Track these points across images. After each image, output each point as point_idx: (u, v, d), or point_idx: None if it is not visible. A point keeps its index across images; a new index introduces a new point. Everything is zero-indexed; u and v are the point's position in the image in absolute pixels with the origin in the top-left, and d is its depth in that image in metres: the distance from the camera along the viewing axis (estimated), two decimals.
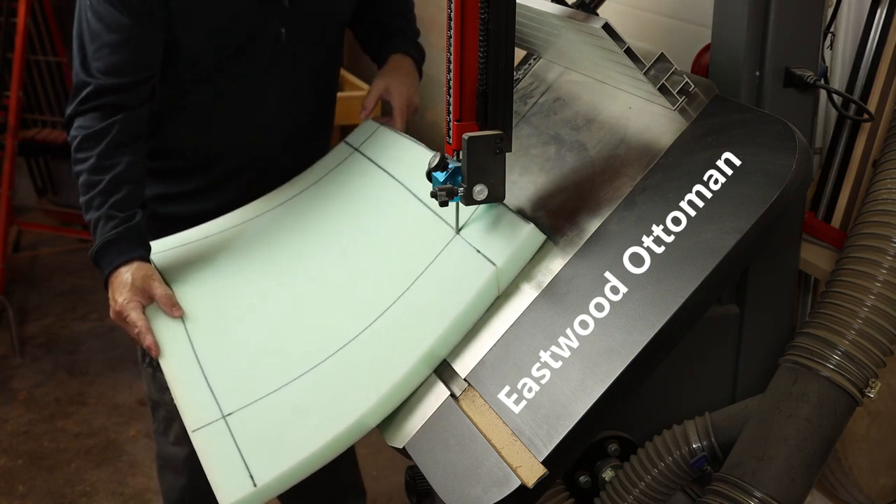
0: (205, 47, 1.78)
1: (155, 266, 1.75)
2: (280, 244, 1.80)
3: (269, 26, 1.81)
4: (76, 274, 4.50)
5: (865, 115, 1.69)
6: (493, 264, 1.39)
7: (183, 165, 1.95)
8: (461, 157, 1.38)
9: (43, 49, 4.48)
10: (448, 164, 1.42)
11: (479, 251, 1.43)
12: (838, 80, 1.80)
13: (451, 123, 1.41)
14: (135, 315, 1.64)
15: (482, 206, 1.49)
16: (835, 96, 1.72)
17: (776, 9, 1.42)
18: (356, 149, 1.93)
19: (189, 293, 1.73)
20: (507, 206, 1.46)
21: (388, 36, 2.04)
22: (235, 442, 1.40)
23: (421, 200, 1.63)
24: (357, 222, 1.74)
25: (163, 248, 1.85)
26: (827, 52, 1.81)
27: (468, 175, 1.38)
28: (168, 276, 1.76)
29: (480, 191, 1.38)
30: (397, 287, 1.51)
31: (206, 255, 1.83)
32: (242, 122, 1.90)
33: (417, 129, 1.92)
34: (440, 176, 1.42)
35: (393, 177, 1.75)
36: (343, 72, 3.62)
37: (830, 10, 1.76)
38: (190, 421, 1.47)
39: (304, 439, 1.36)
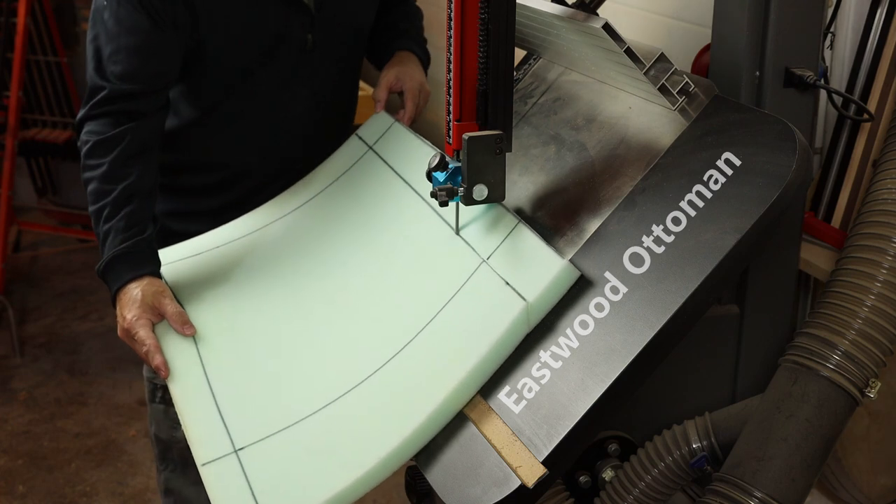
0: (232, 51, 1.73)
1: (166, 282, 1.67)
2: (297, 260, 1.71)
3: (295, 32, 1.77)
4: (76, 274, 4.50)
5: (865, 115, 1.69)
6: (524, 299, 1.31)
7: (210, 182, 1.89)
8: (461, 157, 1.38)
9: (43, 49, 4.48)
10: (448, 164, 1.42)
11: (507, 283, 1.34)
12: (838, 80, 1.80)
13: (451, 123, 1.41)
14: (143, 333, 1.56)
15: (511, 233, 1.41)
16: (835, 96, 1.72)
17: (776, 9, 1.42)
18: (371, 147, 1.83)
19: (201, 312, 1.64)
20: (541, 237, 1.37)
21: (396, 37, 1.99)
22: (248, 480, 1.32)
23: (446, 221, 1.53)
24: (378, 240, 1.64)
25: (172, 259, 1.77)
26: (827, 52, 1.81)
27: (468, 175, 1.38)
28: (179, 293, 1.68)
29: (480, 191, 1.38)
30: (422, 316, 1.42)
31: (219, 270, 1.74)
32: (270, 133, 1.85)
33: (417, 129, 1.89)
34: (440, 176, 1.42)
35: (416, 192, 1.64)
36: None
37: (830, 10, 1.76)
38: (200, 453, 1.38)
39: (322, 481, 1.27)
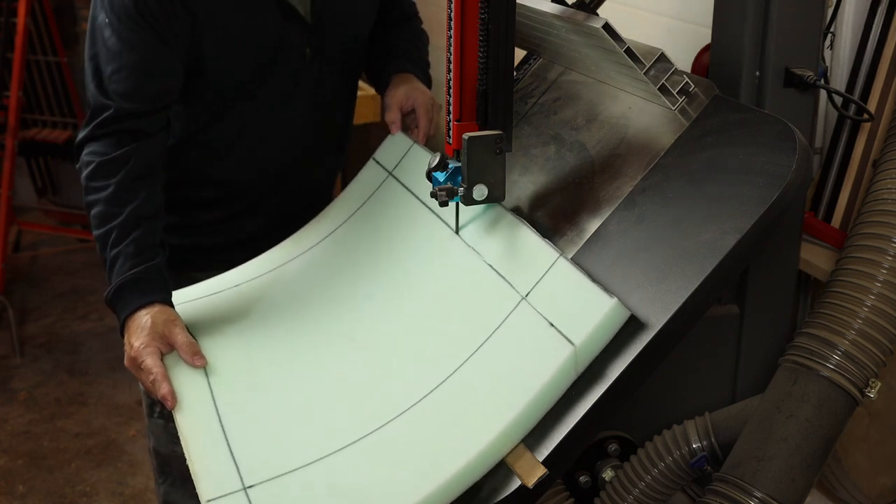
0: (231, 66, 1.69)
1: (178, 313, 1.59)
2: (319, 296, 1.62)
3: (293, 45, 1.73)
4: (76, 274, 4.50)
5: (865, 115, 1.69)
6: (571, 343, 1.20)
7: (207, 196, 1.85)
8: (461, 157, 1.38)
9: (43, 49, 4.48)
10: (448, 164, 1.42)
11: (552, 324, 1.24)
12: (838, 80, 1.80)
13: (451, 123, 1.42)
14: (150, 361, 1.47)
15: (552, 268, 1.30)
16: (835, 96, 1.72)
17: (776, 9, 1.42)
18: (390, 172, 1.73)
19: (215, 346, 1.55)
20: (585, 273, 1.26)
21: (397, 58, 1.91)
22: None
23: (478, 253, 1.44)
24: (404, 272, 1.54)
25: (188, 299, 1.67)
26: (827, 52, 1.81)
27: (468, 175, 1.38)
28: (192, 325, 1.59)
29: (480, 191, 1.38)
30: (456, 355, 1.31)
31: (238, 308, 1.64)
32: (269, 146, 1.81)
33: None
34: (440, 176, 1.42)
35: (442, 220, 1.54)
36: None
37: (830, 10, 1.76)
38: (204, 489, 1.27)
39: None
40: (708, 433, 1.46)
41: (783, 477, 1.34)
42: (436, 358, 1.34)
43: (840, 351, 1.38)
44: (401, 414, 1.29)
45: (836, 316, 1.41)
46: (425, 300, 1.47)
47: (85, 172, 1.62)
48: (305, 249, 1.74)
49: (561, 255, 1.31)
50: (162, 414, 1.87)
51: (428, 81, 1.91)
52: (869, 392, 1.40)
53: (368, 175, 1.78)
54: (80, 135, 1.65)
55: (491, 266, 1.40)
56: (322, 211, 1.80)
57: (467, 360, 1.30)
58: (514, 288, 1.33)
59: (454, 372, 1.30)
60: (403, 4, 1.97)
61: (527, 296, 1.31)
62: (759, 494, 1.32)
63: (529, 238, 1.37)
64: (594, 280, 1.24)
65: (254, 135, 1.79)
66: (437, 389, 1.29)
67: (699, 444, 1.45)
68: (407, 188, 1.67)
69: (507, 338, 1.29)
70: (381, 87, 1.89)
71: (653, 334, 1.19)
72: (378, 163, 1.78)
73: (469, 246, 1.46)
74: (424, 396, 1.30)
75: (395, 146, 1.76)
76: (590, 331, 1.20)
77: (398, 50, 1.91)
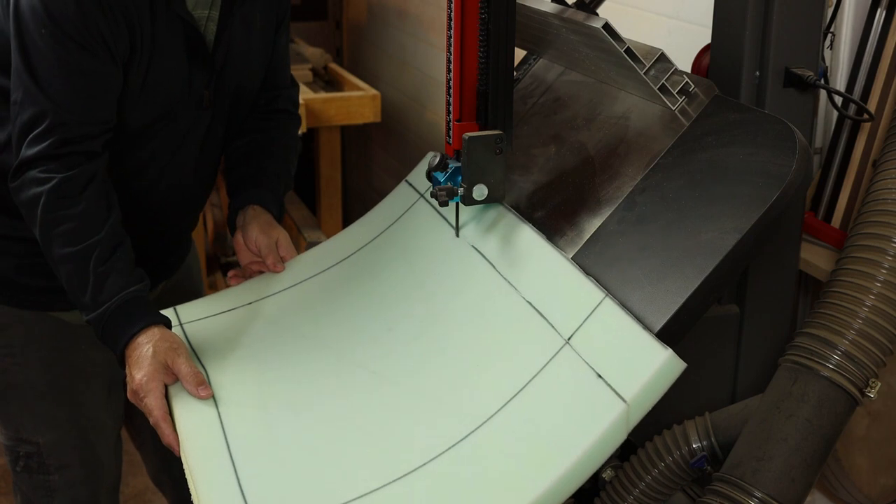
0: (143, 103, 1.63)
1: (186, 337, 1.53)
2: (338, 322, 1.53)
3: (197, 88, 1.68)
4: None
5: (865, 115, 1.69)
6: (623, 400, 1.09)
7: None
8: (461, 157, 1.38)
9: None
10: (448, 164, 1.42)
11: (600, 376, 1.14)
12: (838, 80, 1.80)
13: (451, 123, 1.42)
14: (150, 401, 1.40)
15: (597, 309, 1.21)
16: (835, 96, 1.73)
17: (776, 9, 1.42)
18: (422, 195, 1.64)
19: (225, 372, 1.47)
20: (633, 317, 1.17)
21: (248, 182, 1.79)
22: None
23: (515, 288, 1.34)
24: (431, 303, 1.45)
25: (196, 317, 1.60)
26: (827, 52, 1.81)
27: (468, 175, 1.38)
28: (200, 348, 1.52)
29: (480, 191, 1.39)
30: (490, 401, 1.21)
31: (248, 327, 1.56)
32: (154, 185, 1.74)
33: (417, 129, 1.86)
34: (440, 176, 1.42)
35: (475, 248, 1.47)
36: (343, 71, 3.62)
37: (830, 10, 1.76)
38: None
39: None
40: (708, 433, 1.46)
41: (783, 477, 1.34)
42: (467, 402, 1.24)
43: (840, 351, 1.38)
44: (425, 464, 1.19)
45: (836, 316, 1.41)
46: (454, 335, 1.38)
47: (45, 188, 1.51)
48: (324, 269, 1.67)
49: (607, 295, 1.22)
50: (27, 467, 1.77)
51: (280, 211, 1.82)
52: (869, 392, 1.39)
53: (398, 196, 1.71)
54: (29, 152, 1.52)
55: (530, 303, 1.31)
56: (346, 228, 1.73)
57: (502, 407, 1.20)
58: (555, 329, 1.23)
59: (488, 420, 1.20)
60: (280, 84, 1.89)
61: (570, 339, 1.21)
62: (759, 494, 1.32)
63: (571, 274, 1.29)
64: (644, 325, 1.15)
65: (147, 178, 1.73)
66: (468, 437, 1.19)
67: (699, 444, 1.45)
68: (439, 212, 1.59)
69: (548, 386, 1.19)
70: (231, 215, 1.80)
71: (653, 334, 1.19)
72: (410, 185, 1.71)
73: (504, 279, 1.37)
74: (454, 445, 1.19)
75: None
76: (643, 386, 1.10)
77: (255, 169, 1.82)
